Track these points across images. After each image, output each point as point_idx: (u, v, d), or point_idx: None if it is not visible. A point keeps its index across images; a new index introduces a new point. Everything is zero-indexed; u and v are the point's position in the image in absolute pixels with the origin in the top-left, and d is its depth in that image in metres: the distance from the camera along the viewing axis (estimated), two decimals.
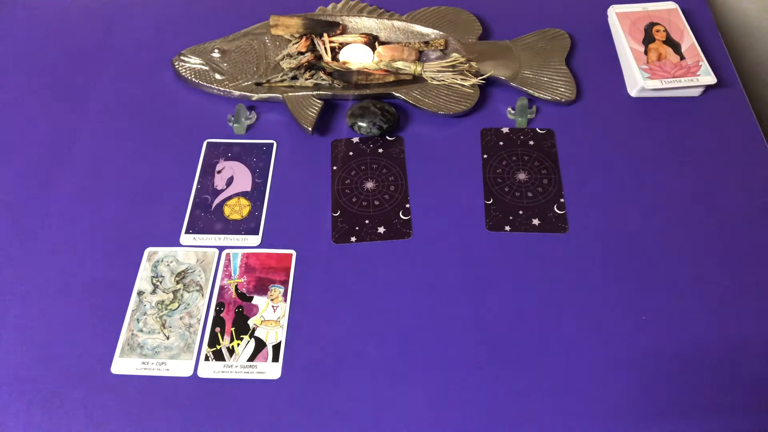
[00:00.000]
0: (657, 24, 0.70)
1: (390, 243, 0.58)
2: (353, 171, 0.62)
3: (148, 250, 0.57)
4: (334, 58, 0.68)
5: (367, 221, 0.59)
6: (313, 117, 0.64)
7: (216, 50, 0.69)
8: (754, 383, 0.49)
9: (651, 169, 0.62)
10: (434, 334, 0.52)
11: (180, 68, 0.68)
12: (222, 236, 0.58)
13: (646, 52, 0.68)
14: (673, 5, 0.72)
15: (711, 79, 0.65)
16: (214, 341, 0.52)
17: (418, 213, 0.59)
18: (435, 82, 0.66)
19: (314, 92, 0.66)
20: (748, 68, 0.91)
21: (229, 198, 0.61)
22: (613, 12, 0.72)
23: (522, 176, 0.62)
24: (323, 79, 0.66)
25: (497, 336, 0.52)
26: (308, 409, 0.49)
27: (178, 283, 0.55)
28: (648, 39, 0.69)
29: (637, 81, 0.66)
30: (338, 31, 0.70)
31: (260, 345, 0.52)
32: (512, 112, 0.66)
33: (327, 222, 0.59)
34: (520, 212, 0.59)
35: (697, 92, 0.67)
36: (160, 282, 0.55)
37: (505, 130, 0.65)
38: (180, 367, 0.51)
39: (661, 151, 0.63)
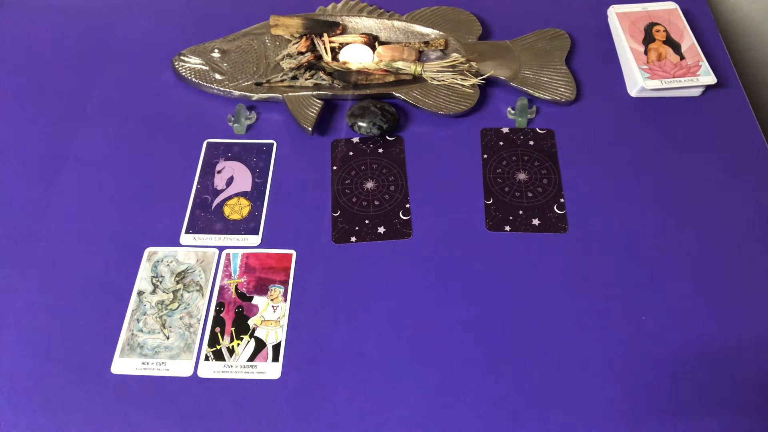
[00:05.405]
0: (657, 24, 0.70)
1: (390, 243, 0.58)
2: (353, 171, 0.62)
3: (148, 250, 0.57)
4: (334, 58, 0.68)
5: (367, 221, 0.59)
6: (313, 117, 0.64)
7: (216, 50, 0.69)
8: (754, 383, 0.49)
9: (651, 169, 0.62)
10: (434, 334, 0.52)
11: (180, 68, 0.68)
12: (222, 236, 0.58)
13: (646, 52, 0.68)
14: (673, 5, 0.72)
15: (711, 79, 0.65)
16: (214, 341, 0.52)
17: (418, 213, 0.59)
18: (435, 82, 0.66)
19: (314, 92, 0.65)
20: (748, 68, 0.91)
21: (229, 198, 0.61)
22: (613, 12, 0.72)
23: (522, 176, 0.62)
24: (323, 79, 0.66)
25: (497, 336, 0.52)
26: (308, 409, 0.49)
27: (178, 283, 0.55)
28: (648, 39, 0.69)
29: (637, 81, 0.66)
30: (338, 31, 0.70)
31: (260, 345, 0.52)
32: (512, 112, 0.66)
33: (327, 222, 0.59)
34: (520, 212, 0.59)
35: (697, 92, 0.67)
36: (160, 282, 0.55)
37: (505, 130, 0.65)
38: (180, 367, 0.51)
39: (661, 151, 0.63)
